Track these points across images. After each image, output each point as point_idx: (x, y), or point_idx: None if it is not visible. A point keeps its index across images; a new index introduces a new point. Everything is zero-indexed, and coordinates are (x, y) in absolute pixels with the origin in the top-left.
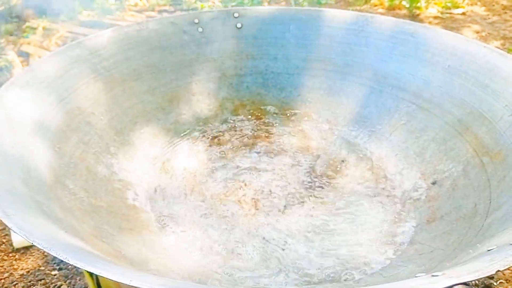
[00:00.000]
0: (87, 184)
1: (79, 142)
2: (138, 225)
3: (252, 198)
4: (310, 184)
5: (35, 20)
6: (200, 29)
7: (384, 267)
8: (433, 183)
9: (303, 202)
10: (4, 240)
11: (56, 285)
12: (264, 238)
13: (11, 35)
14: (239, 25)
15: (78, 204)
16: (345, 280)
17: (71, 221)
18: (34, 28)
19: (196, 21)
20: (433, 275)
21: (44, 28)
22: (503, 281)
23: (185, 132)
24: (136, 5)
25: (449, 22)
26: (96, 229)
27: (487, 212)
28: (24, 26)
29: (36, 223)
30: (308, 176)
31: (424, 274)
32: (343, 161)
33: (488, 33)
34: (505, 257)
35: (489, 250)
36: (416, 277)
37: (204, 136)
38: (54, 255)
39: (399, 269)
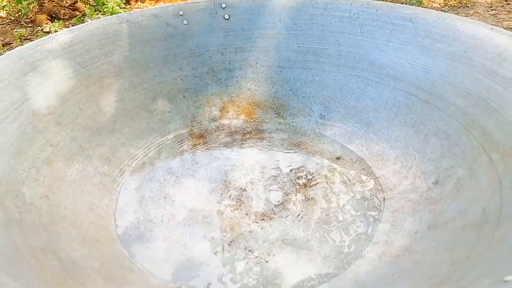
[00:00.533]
0: (50, 190)
1: (46, 144)
2: (105, 235)
3: (238, 199)
4: (304, 183)
5: (48, 24)
6: (185, 22)
7: (376, 279)
8: (435, 183)
9: (293, 202)
10: None
11: None
12: (246, 247)
13: (24, 39)
14: (226, 16)
15: (33, 215)
16: None
17: (13, 235)
18: (47, 32)
19: (181, 13)
20: None
21: (55, 32)
22: None
23: (170, 131)
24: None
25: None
26: (50, 243)
27: (498, 220)
28: (37, 31)
29: None
30: (299, 175)
31: None
32: (337, 158)
33: (493, 25)
34: None
35: (506, 282)
36: None
37: (191, 135)
38: None
39: (396, 286)
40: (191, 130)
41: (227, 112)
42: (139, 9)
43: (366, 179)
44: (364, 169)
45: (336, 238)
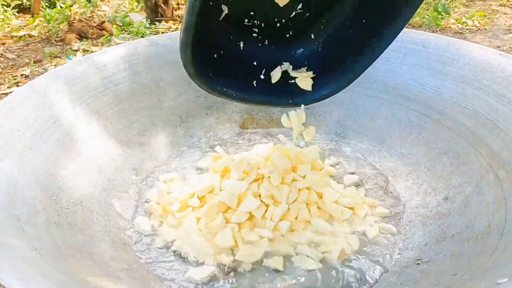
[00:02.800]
0: (84, 197)
1: (80, 155)
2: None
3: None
4: None
5: (76, 43)
6: None
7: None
8: (444, 199)
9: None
10: None
11: None
12: None
13: (54, 57)
14: None
15: (69, 219)
16: None
17: (55, 236)
18: (75, 50)
19: None
20: None
21: (83, 51)
22: None
23: (193, 145)
24: (169, 28)
25: (468, 35)
26: (85, 244)
27: (501, 234)
28: (66, 49)
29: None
30: None
31: None
32: (352, 173)
33: (510, 47)
34: None
35: (498, 284)
36: None
37: (212, 149)
38: None
39: None
40: (213, 144)
41: (247, 128)
42: (166, 33)
43: (379, 194)
44: (377, 183)
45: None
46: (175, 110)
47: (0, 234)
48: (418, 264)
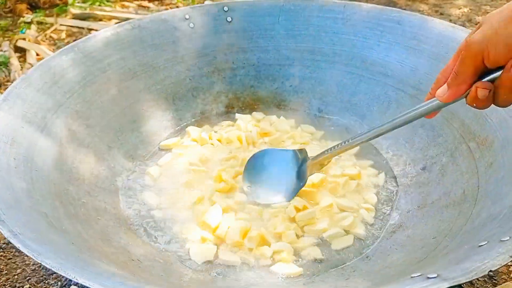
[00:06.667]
0: (89, 187)
1: (80, 145)
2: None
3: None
4: None
5: (29, 14)
6: (191, 25)
7: (376, 251)
8: (423, 169)
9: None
10: None
11: (66, 278)
12: None
13: (6, 30)
14: (229, 19)
15: (83, 209)
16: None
17: (78, 229)
18: (28, 23)
19: (187, 16)
20: (428, 277)
21: (38, 23)
22: None
23: (182, 127)
24: None
25: None
26: (102, 233)
27: (475, 199)
28: (18, 21)
29: (43, 239)
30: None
31: (419, 274)
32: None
33: (470, 9)
34: (496, 256)
35: (480, 246)
36: (411, 277)
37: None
38: (63, 274)
39: (393, 256)
40: (201, 125)
41: (232, 107)
42: (148, 15)
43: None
44: (359, 156)
45: None
46: (162, 93)
47: (42, 232)
48: (403, 229)
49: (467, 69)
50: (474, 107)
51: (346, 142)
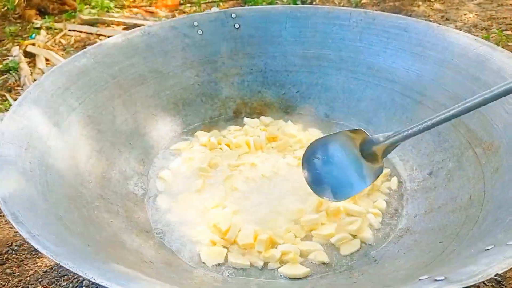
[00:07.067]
0: (102, 191)
1: (92, 150)
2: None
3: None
4: None
5: (38, 20)
6: (199, 32)
7: (384, 255)
8: (429, 174)
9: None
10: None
11: (78, 279)
12: None
13: (16, 36)
14: (237, 26)
15: (96, 212)
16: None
17: (91, 231)
18: (38, 28)
19: (196, 23)
20: (436, 280)
21: (47, 28)
22: None
23: (191, 131)
24: (134, 1)
25: (438, 4)
26: (115, 236)
27: (482, 204)
28: (28, 27)
29: (60, 241)
30: None
31: (426, 277)
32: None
33: (476, 15)
34: (503, 260)
35: (486, 250)
36: (419, 280)
37: (209, 134)
38: (81, 274)
39: (401, 260)
40: (210, 130)
41: (240, 113)
42: (158, 22)
43: None
44: None
45: None
46: (171, 99)
47: (58, 234)
48: (410, 234)
49: None
50: None
51: (429, 122)
